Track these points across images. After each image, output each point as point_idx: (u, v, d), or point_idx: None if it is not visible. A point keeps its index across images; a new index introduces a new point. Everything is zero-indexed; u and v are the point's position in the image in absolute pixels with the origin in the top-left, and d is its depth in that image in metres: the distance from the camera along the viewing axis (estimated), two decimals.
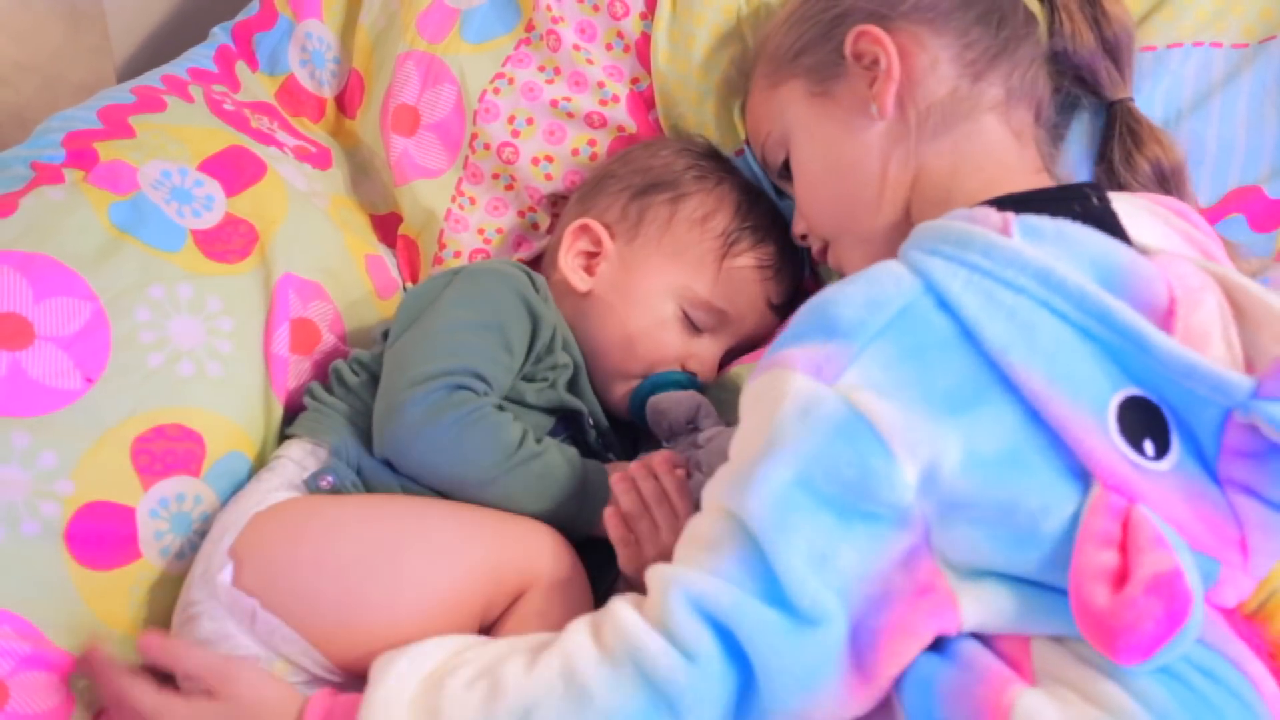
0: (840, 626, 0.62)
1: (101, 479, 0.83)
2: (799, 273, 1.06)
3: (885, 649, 0.62)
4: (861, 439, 0.61)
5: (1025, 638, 0.64)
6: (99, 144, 0.93)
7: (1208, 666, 0.60)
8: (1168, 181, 0.85)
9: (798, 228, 0.95)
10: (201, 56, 1.12)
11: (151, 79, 1.06)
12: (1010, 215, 0.67)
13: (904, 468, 0.61)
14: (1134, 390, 0.63)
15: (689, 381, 0.98)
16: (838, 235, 0.90)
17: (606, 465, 0.91)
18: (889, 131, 0.83)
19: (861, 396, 0.62)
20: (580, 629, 0.67)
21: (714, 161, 1.04)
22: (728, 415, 0.97)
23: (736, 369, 0.99)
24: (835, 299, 0.67)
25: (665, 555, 0.72)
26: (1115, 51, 0.88)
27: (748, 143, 1.05)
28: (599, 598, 0.82)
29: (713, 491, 0.67)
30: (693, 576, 0.63)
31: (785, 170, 0.93)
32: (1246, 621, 0.65)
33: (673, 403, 0.94)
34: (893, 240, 0.72)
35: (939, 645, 0.64)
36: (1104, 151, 0.85)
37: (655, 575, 0.66)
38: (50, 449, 0.81)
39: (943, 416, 0.62)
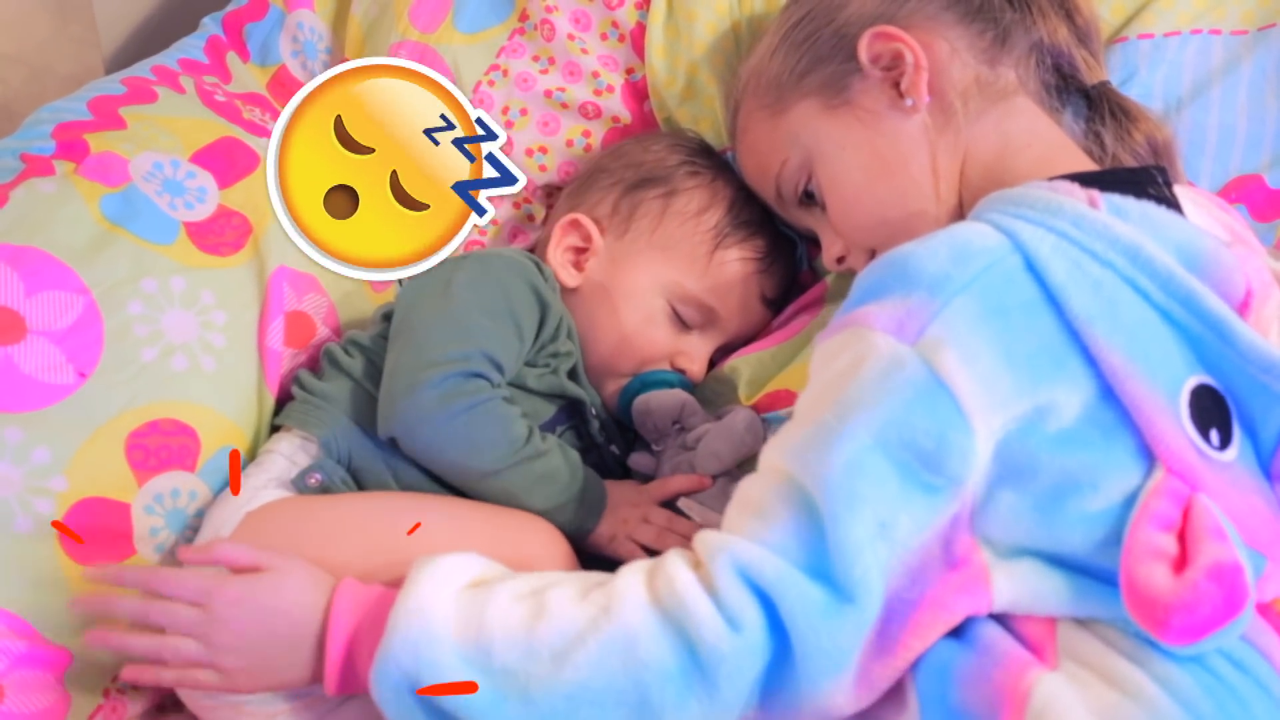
0: (876, 605, 0.61)
1: (95, 475, 0.82)
2: (792, 267, 1.05)
3: (914, 624, 0.61)
4: (942, 409, 0.61)
5: (1051, 620, 0.64)
6: (89, 135, 0.92)
7: (1239, 658, 0.60)
8: (1161, 158, 0.84)
9: (833, 251, 0.91)
10: (192, 47, 1.11)
11: (142, 70, 1.04)
12: (1096, 192, 0.67)
13: (979, 441, 0.61)
14: (1205, 378, 0.63)
15: (678, 381, 0.97)
16: (889, 241, 0.82)
17: (611, 483, 0.91)
18: (929, 122, 0.82)
19: (944, 359, 0.61)
20: (635, 575, 0.65)
21: (707, 158, 1.03)
22: (718, 410, 0.96)
23: (732, 363, 0.99)
24: (916, 253, 0.65)
25: None
26: (1088, 39, 0.88)
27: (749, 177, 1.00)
28: None
29: (774, 453, 0.66)
30: (740, 545, 0.62)
31: (808, 197, 0.90)
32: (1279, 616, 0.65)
33: (658, 403, 0.94)
34: None
35: (958, 630, 0.63)
36: (1096, 133, 0.85)
37: (703, 541, 0.65)
38: (43, 445, 0.80)
39: (1022, 382, 0.61)
